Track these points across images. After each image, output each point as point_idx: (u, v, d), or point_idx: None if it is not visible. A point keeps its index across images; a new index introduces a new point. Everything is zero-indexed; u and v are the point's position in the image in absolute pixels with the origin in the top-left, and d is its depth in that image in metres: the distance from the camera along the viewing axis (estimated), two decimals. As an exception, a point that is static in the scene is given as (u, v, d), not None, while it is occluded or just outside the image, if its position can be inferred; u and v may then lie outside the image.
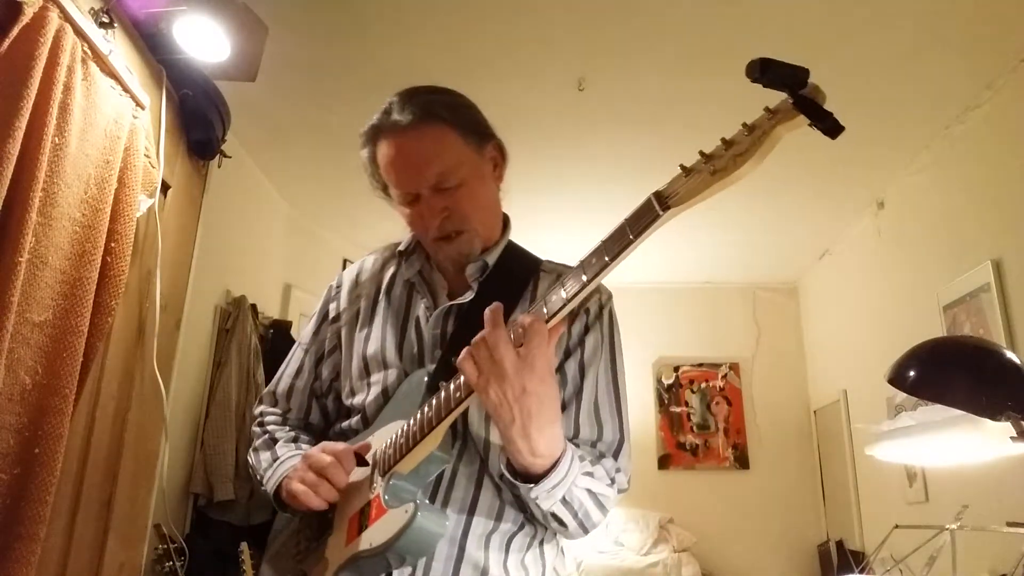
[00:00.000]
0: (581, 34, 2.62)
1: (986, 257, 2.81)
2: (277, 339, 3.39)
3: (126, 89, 1.89)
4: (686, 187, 0.78)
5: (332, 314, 1.28)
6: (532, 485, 0.95)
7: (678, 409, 4.99)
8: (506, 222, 1.25)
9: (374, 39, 2.67)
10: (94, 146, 1.75)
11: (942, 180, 3.20)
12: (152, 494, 2.23)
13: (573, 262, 1.21)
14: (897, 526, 2.30)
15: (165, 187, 2.18)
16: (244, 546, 2.64)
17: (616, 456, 1.09)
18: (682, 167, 0.79)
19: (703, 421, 4.96)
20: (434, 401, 0.99)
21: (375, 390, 1.14)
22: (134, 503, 2.10)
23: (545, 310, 0.89)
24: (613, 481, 1.07)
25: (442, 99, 1.14)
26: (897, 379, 1.60)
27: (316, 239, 4.26)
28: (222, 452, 2.84)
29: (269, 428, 1.26)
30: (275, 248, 3.91)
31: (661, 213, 0.79)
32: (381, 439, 1.08)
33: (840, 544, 4.17)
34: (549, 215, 4.00)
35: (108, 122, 1.81)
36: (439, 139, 1.11)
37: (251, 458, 1.24)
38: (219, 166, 2.58)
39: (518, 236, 1.25)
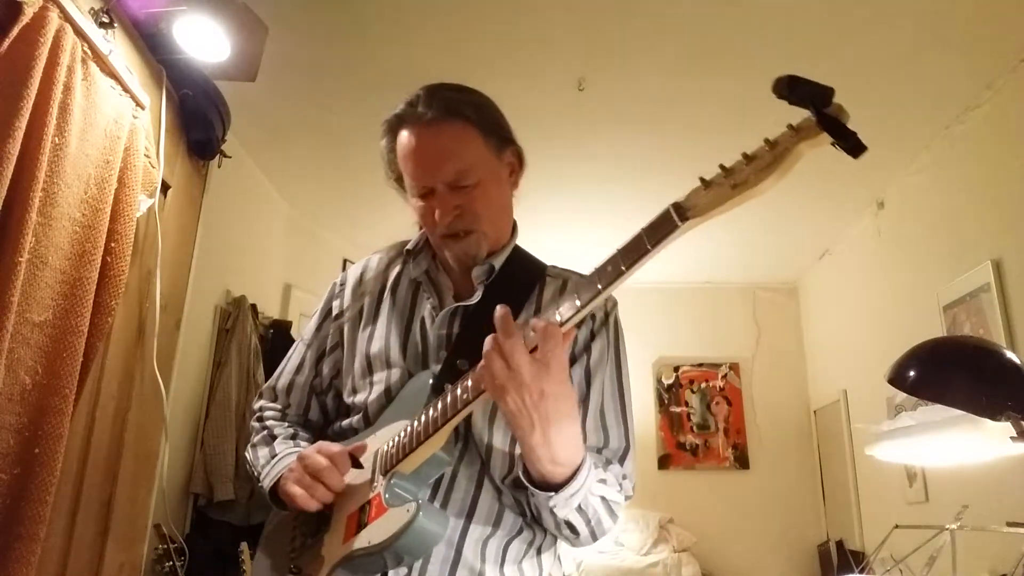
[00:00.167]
0: (581, 34, 2.62)
1: (986, 257, 2.81)
2: (277, 339, 3.40)
3: (126, 89, 1.89)
4: (706, 199, 0.78)
5: (335, 311, 1.27)
6: (552, 494, 0.95)
7: (678, 409, 5.00)
8: (514, 227, 1.24)
9: (374, 39, 2.67)
10: (94, 146, 1.75)
11: (942, 180, 3.20)
12: (152, 494, 2.23)
13: (574, 263, 1.22)
14: (897, 526, 2.30)
15: (165, 187, 2.18)
16: (244, 546, 2.64)
17: (622, 462, 1.09)
18: (702, 180, 0.79)
19: (703, 421, 4.96)
20: (439, 403, 0.99)
21: (378, 389, 1.14)
22: (134, 503, 2.10)
23: (558, 315, 0.88)
24: (621, 488, 1.07)
25: (469, 98, 1.14)
26: (897, 379, 1.60)
27: (316, 239, 4.26)
28: (222, 452, 2.84)
29: (268, 424, 1.26)
30: (275, 248, 3.91)
31: (680, 224, 0.79)
32: (382, 439, 1.08)
33: (840, 544, 4.17)
34: (549, 215, 4.00)
35: (108, 122, 1.81)
36: (461, 137, 1.11)
37: (249, 454, 1.24)
38: (219, 166, 2.58)
39: (518, 236, 1.25)
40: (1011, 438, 1.46)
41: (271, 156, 3.51)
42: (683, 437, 4.94)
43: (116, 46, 1.85)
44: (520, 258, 1.22)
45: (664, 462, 4.88)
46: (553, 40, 2.66)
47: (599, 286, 0.85)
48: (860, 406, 4.06)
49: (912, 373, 1.59)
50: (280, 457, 1.16)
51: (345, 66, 2.82)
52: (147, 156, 2.01)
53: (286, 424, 1.26)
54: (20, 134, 1.43)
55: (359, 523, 1.03)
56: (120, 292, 1.82)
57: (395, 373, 1.14)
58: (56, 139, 1.57)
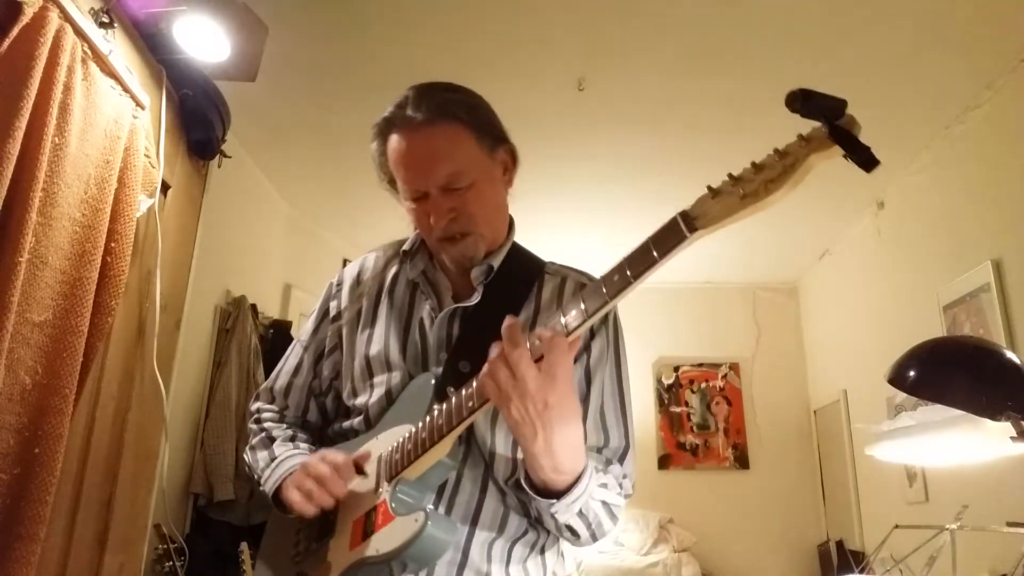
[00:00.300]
0: (581, 34, 2.62)
1: (986, 257, 2.81)
2: (277, 339, 3.40)
3: (126, 89, 1.89)
4: (714, 209, 0.76)
5: (332, 312, 1.26)
6: (554, 500, 0.95)
7: (678, 409, 5.00)
8: (511, 225, 1.23)
9: (374, 39, 2.67)
10: (94, 146, 1.75)
11: (942, 180, 3.20)
12: (152, 494, 2.23)
13: (574, 263, 1.22)
14: (897, 526, 2.30)
15: (165, 187, 2.18)
16: (244, 546, 2.64)
17: (622, 462, 1.09)
18: (709, 188, 0.77)
19: (703, 421, 4.96)
20: (444, 407, 0.98)
21: (378, 391, 1.14)
22: (134, 503, 2.10)
23: (564, 323, 0.88)
24: (621, 488, 1.07)
25: (459, 98, 1.12)
26: (897, 379, 1.60)
27: (316, 239, 4.26)
28: (222, 452, 2.84)
29: (266, 425, 1.25)
30: (275, 248, 3.91)
31: (688, 235, 0.78)
32: (385, 442, 1.07)
33: (840, 544, 4.17)
34: (549, 215, 4.00)
35: (108, 122, 1.81)
36: (453, 139, 1.09)
37: (247, 456, 1.23)
38: (219, 166, 2.58)
39: (518, 236, 1.25)
40: (1011, 438, 1.46)
41: (271, 156, 3.50)
42: (683, 437, 4.94)
43: (116, 46, 1.85)
44: (518, 256, 1.21)
45: (664, 462, 4.88)
46: (553, 40, 2.66)
47: (606, 296, 0.85)
48: (860, 406, 4.06)
49: (912, 373, 1.59)
50: (280, 459, 1.15)
51: (345, 66, 2.82)
52: (147, 156, 2.01)
53: (284, 426, 1.25)
54: (20, 134, 1.43)
55: (365, 530, 1.02)
56: (120, 292, 1.82)
57: (395, 375, 1.13)
58: (56, 139, 1.57)
